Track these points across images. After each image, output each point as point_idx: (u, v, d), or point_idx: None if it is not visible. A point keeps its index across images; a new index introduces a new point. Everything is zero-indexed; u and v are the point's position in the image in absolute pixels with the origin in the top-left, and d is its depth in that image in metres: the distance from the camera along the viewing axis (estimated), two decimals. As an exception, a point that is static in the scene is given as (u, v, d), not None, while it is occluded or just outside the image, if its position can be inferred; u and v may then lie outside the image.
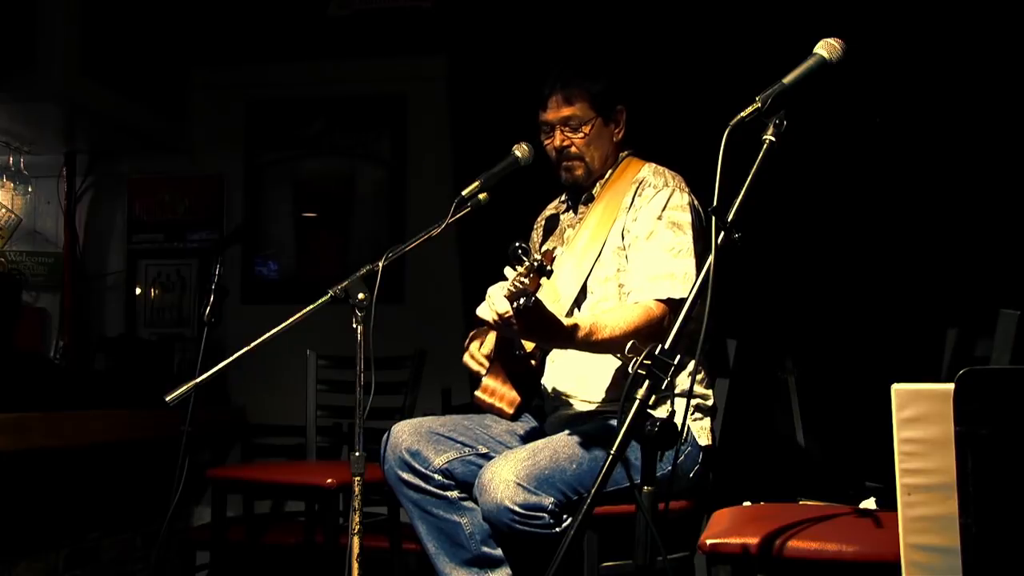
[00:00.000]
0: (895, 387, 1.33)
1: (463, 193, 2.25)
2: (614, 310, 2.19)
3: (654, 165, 2.38)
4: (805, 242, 3.27)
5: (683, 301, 2.09)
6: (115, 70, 3.89)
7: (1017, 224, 3.01)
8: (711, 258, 1.52)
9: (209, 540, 3.26)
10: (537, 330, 1.92)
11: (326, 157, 4.44)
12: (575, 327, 1.97)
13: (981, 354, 2.07)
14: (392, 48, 4.28)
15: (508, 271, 1.80)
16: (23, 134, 4.12)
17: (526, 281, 1.76)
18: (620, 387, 2.17)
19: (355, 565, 2.07)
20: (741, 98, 1.64)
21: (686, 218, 2.23)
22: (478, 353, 2.28)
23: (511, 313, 1.79)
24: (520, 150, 2.35)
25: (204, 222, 4.54)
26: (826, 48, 1.69)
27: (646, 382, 1.45)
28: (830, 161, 3.21)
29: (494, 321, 1.87)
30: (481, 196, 2.25)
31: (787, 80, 1.64)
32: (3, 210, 4.43)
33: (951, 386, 1.17)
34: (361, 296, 2.06)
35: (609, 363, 2.23)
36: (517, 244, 1.78)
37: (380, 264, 2.13)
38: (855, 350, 3.08)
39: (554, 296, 2.16)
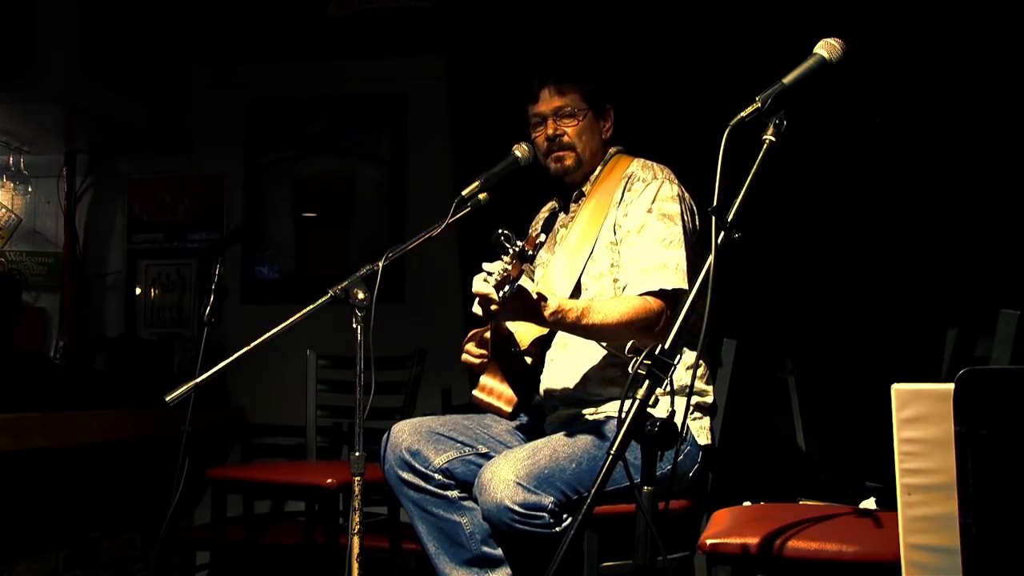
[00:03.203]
0: (895, 387, 1.33)
1: (463, 193, 2.25)
2: (611, 299, 2.20)
3: (642, 160, 2.39)
4: (805, 242, 3.26)
5: (676, 292, 2.12)
6: (115, 70, 3.90)
7: (1017, 224, 3.01)
8: (711, 258, 1.52)
9: (209, 540, 3.25)
10: (525, 316, 1.97)
11: (326, 157, 4.44)
12: (564, 310, 1.99)
13: (981, 354, 2.07)
14: (392, 48, 4.28)
15: (486, 265, 1.82)
16: (23, 134, 4.13)
17: (509, 268, 1.76)
18: (619, 386, 2.18)
19: (355, 565, 2.07)
20: (737, 99, 1.64)
21: (675, 208, 2.24)
22: (474, 349, 2.30)
23: (496, 298, 1.80)
24: (520, 150, 2.36)
25: (204, 222, 4.54)
26: (826, 48, 1.69)
27: (646, 382, 1.45)
28: (830, 161, 3.21)
29: (479, 302, 1.90)
30: (481, 196, 2.25)
31: (787, 80, 1.65)
32: (3, 210, 4.44)
33: (951, 386, 1.17)
34: (361, 296, 2.06)
35: (607, 362, 2.23)
36: (499, 231, 1.78)
37: (380, 264, 2.13)
38: (855, 350, 3.08)
39: (548, 294, 2.16)
